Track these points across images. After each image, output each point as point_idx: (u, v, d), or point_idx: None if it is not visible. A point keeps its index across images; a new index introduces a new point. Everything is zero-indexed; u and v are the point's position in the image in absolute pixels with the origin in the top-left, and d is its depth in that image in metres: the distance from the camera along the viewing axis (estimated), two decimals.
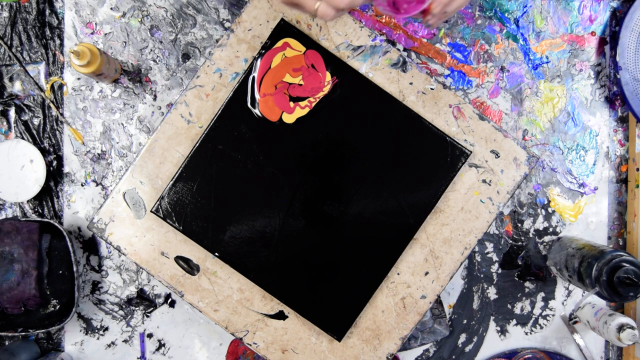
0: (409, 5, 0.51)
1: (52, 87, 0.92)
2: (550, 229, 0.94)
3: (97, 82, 0.92)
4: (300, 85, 0.76)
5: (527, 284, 0.94)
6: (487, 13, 0.93)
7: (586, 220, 0.94)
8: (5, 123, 0.93)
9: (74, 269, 0.87)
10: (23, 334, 0.87)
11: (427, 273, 0.77)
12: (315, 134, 0.76)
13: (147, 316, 0.93)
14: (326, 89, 0.76)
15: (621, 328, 0.82)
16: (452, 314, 0.94)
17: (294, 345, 0.78)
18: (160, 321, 0.93)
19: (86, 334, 0.93)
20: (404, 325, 0.77)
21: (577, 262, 0.84)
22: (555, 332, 0.94)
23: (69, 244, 0.86)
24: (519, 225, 0.94)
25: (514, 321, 0.94)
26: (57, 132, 0.93)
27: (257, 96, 0.75)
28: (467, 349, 0.94)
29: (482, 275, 0.94)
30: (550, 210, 0.94)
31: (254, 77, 0.75)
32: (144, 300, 0.93)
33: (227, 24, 0.92)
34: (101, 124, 0.93)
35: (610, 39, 0.95)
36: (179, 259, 0.77)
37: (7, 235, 0.85)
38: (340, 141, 0.76)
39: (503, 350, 0.94)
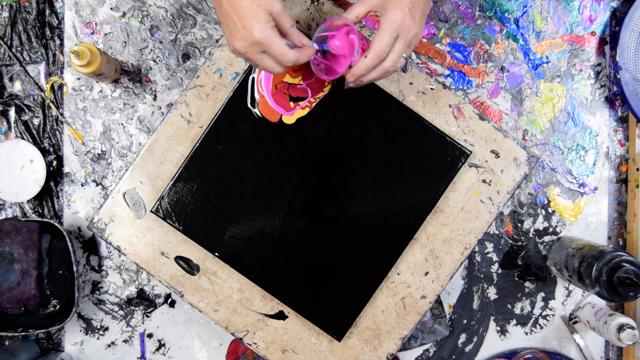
0: (330, 75, 0.68)
1: (52, 87, 0.92)
2: (550, 229, 0.94)
3: (97, 82, 0.92)
4: (300, 85, 0.76)
5: (527, 284, 0.94)
6: (487, 13, 0.93)
7: (586, 220, 0.94)
8: (5, 123, 0.93)
9: (74, 269, 0.87)
10: (23, 334, 0.87)
11: (427, 273, 0.77)
12: (315, 134, 0.76)
13: (147, 316, 0.93)
14: (326, 89, 0.76)
15: (621, 328, 0.82)
16: (452, 314, 0.94)
17: (294, 345, 0.78)
18: (160, 321, 0.93)
19: (86, 334, 0.93)
20: (404, 325, 0.77)
21: (577, 262, 0.84)
22: (555, 332, 0.94)
23: (69, 244, 0.86)
24: (519, 225, 0.94)
25: (514, 321, 0.94)
26: (57, 132, 0.93)
27: (257, 96, 0.75)
28: (467, 349, 0.94)
29: (482, 275, 0.94)
30: (550, 210, 0.94)
31: (253, 78, 0.75)
32: (144, 300, 0.93)
33: None
34: (101, 124, 0.93)
35: (610, 39, 0.95)
36: (179, 259, 0.77)
37: (7, 235, 0.85)
38: (340, 141, 0.76)
39: (503, 350, 0.94)
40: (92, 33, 0.92)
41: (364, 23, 0.78)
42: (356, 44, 0.64)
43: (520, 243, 0.94)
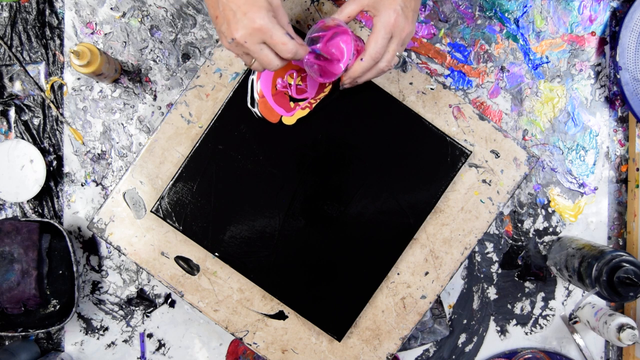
0: (325, 78, 0.67)
1: (52, 87, 0.93)
2: (550, 229, 0.94)
3: (97, 82, 0.92)
4: (300, 85, 0.76)
5: (527, 284, 0.94)
6: (487, 13, 0.93)
7: (586, 220, 0.94)
8: (5, 123, 0.93)
9: (74, 269, 0.87)
10: (23, 334, 0.87)
11: (427, 273, 0.77)
12: (315, 134, 0.76)
13: (147, 316, 0.93)
14: (327, 89, 0.76)
15: (621, 328, 0.82)
16: (452, 314, 0.94)
17: (294, 345, 0.78)
18: (160, 321, 0.93)
19: (86, 334, 0.93)
20: (404, 325, 0.77)
21: (577, 262, 0.84)
22: (555, 332, 0.94)
23: (69, 244, 0.86)
24: (519, 225, 0.94)
25: (514, 321, 0.94)
26: (57, 132, 0.93)
27: (256, 96, 0.75)
28: (467, 349, 0.94)
29: (482, 275, 0.94)
30: (550, 210, 0.94)
31: (253, 79, 0.75)
32: (144, 300, 0.93)
33: None
34: (101, 124, 0.93)
35: (610, 39, 0.95)
36: (179, 259, 0.77)
37: (7, 235, 0.85)
38: (340, 141, 0.76)
39: (503, 350, 0.94)
40: (92, 33, 0.92)
41: (364, 23, 0.78)
42: (351, 46, 0.64)
43: (520, 243, 0.94)
